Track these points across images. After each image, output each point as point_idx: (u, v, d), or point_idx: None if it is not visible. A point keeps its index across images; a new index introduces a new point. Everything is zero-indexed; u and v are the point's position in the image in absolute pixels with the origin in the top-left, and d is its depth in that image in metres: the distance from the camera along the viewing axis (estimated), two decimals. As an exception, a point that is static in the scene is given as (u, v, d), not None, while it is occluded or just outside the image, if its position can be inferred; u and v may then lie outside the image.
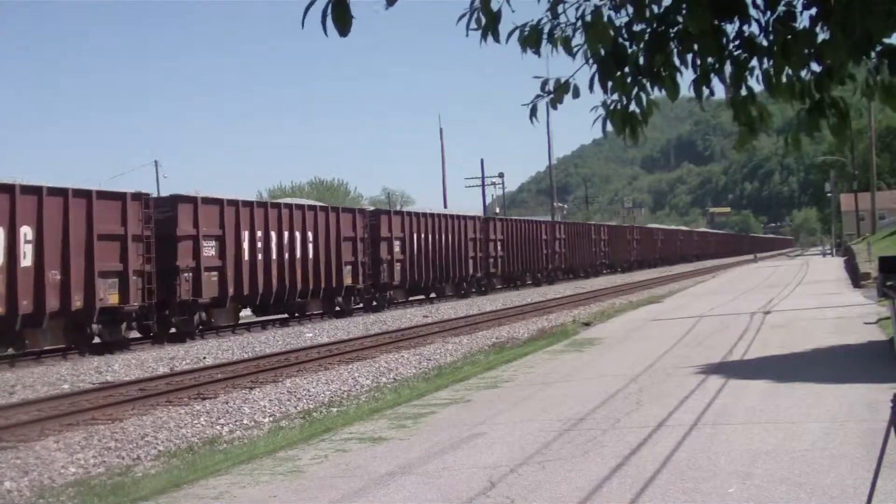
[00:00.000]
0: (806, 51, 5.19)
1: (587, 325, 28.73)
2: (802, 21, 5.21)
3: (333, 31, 4.60)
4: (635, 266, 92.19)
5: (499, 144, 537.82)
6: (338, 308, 41.53)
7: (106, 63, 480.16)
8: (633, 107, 5.38)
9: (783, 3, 5.18)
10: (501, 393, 15.52)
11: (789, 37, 5.13)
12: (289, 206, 38.99)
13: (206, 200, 33.29)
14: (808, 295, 34.89)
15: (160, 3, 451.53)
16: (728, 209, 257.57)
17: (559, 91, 5.41)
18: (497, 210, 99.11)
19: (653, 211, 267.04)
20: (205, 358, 25.45)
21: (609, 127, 5.48)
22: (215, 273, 33.35)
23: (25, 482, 11.79)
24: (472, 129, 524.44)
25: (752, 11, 5.17)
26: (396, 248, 46.23)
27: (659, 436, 10.91)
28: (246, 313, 38.46)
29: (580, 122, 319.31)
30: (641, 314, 31.87)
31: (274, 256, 36.67)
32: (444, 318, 36.04)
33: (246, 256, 34.94)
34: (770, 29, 5.19)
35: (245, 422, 15.70)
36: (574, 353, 20.84)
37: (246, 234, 34.99)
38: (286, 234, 37.52)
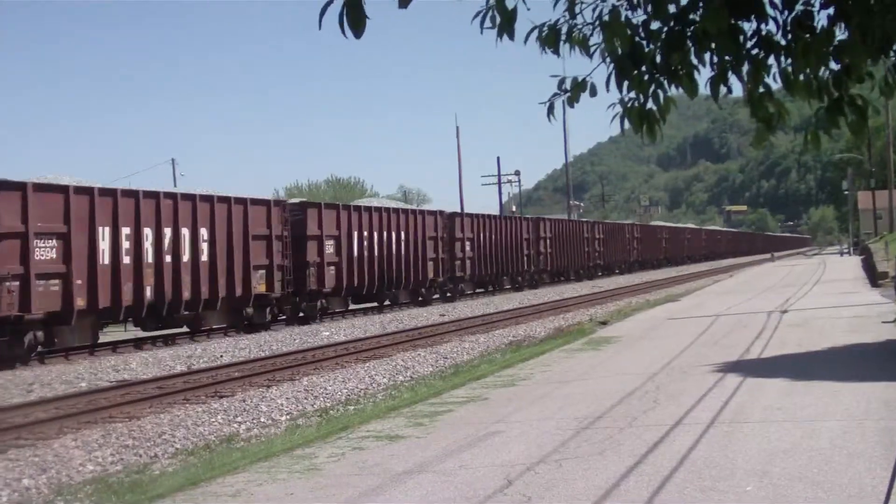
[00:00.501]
0: (824, 50, 5.19)
1: (604, 323, 28.70)
2: (820, 20, 5.21)
3: (349, 30, 4.65)
4: (636, 267, 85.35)
5: (515, 142, 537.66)
6: (247, 322, 34.72)
7: (127, 62, 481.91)
8: (650, 104, 5.38)
9: (801, 2, 5.18)
10: (518, 391, 15.51)
11: (807, 36, 5.13)
12: (172, 196, 31.41)
13: (42, 187, 26.36)
14: (825, 294, 34.78)
15: (181, 3, 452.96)
16: (745, 207, 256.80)
17: (576, 89, 5.42)
18: (514, 208, 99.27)
19: (669, 209, 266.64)
20: (222, 356, 25.52)
21: (627, 124, 5.48)
22: (56, 281, 26.21)
23: (44, 480, 11.85)
24: (488, 128, 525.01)
25: (770, 10, 5.17)
26: (330, 249, 39.08)
27: (676, 434, 10.89)
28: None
29: (596, 120, 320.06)
30: (658, 313, 31.81)
31: (149, 259, 29.66)
32: (460, 317, 36.04)
33: (105, 259, 27.95)
34: (788, 28, 5.19)
35: (262, 420, 15.75)
36: (591, 351, 20.82)
37: (106, 232, 28.04)
38: (167, 231, 30.39)
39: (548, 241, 63.92)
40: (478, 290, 55.47)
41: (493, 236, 55.46)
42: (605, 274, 76.89)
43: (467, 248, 51.80)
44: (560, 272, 67.51)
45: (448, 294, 50.22)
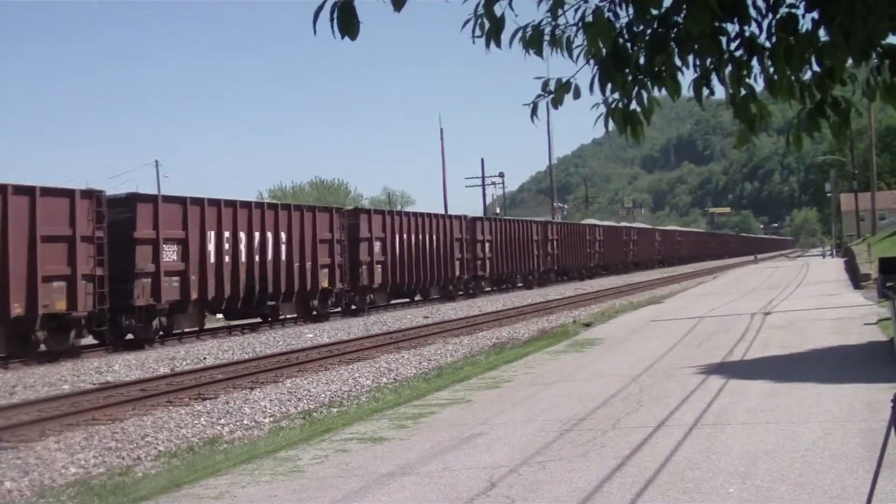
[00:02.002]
0: (806, 52, 5.20)
1: (588, 325, 28.73)
2: (804, 24, 5.22)
3: (341, 33, 4.65)
4: (552, 279, 66.75)
5: (499, 144, 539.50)
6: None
7: (108, 64, 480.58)
8: (634, 105, 5.38)
9: (785, 5, 5.19)
10: (502, 393, 15.51)
11: (790, 39, 5.14)
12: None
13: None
14: (808, 296, 34.88)
15: (165, 5, 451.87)
16: (728, 209, 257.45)
17: (560, 91, 5.41)
18: (497, 209, 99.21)
19: (653, 211, 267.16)
20: (205, 358, 25.44)
21: (611, 125, 5.49)
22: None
23: (26, 482, 11.79)
24: (472, 129, 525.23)
25: (753, 13, 5.18)
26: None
27: (659, 436, 10.91)
28: None
29: (580, 122, 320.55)
30: (642, 315, 31.86)
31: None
32: (445, 319, 36.01)
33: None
34: (771, 31, 5.20)
35: (245, 422, 15.70)
36: (574, 353, 20.83)
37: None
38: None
39: (378, 244, 43.74)
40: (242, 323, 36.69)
41: (257, 235, 35.33)
42: (502, 288, 58.69)
43: (169, 255, 30.88)
44: (413, 289, 48.21)
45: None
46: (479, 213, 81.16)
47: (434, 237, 48.64)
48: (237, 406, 16.96)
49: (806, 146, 5.68)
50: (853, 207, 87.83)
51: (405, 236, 45.74)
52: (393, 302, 46.69)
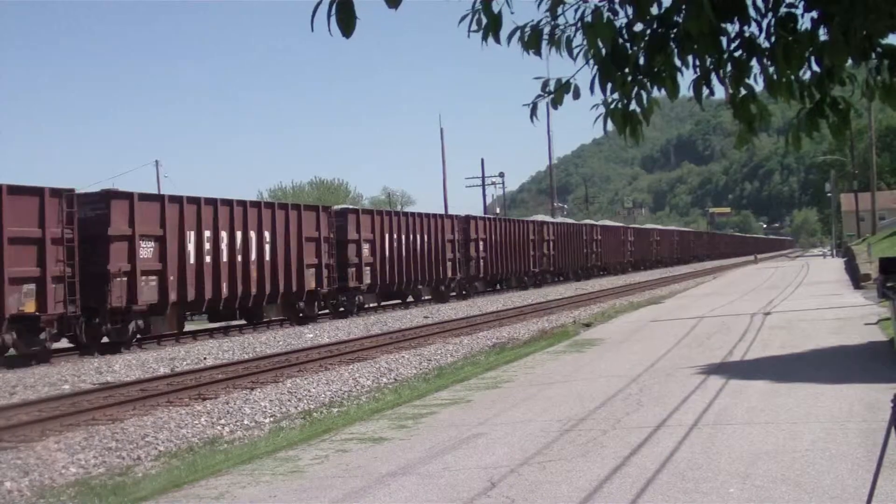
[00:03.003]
0: (807, 52, 5.20)
1: (588, 325, 28.72)
2: (804, 23, 5.22)
3: (338, 30, 4.63)
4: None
5: (499, 144, 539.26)
6: None
7: (111, 63, 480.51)
8: (633, 106, 5.38)
9: (784, 4, 5.18)
10: (502, 393, 15.51)
11: (790, 38, 5.13)
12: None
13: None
14: (808, 296, 34.88)
15: (166, 5, 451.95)
16: (728, 209, 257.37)
17: (559, 91, 5.40)
18: (497, 210, 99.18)
19: (653, 211, 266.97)
20: (205, 358, 25.44)
21: (610, 126, 5.48)
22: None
23: (26, 482, 11.78)
24: (473, 129, 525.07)
25: (752, 12, 5.18)
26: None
27: (659, 436, 10.90)
28: None
29: (580, 122, 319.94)
30: (642, 315, 31.85)
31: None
32: (445, 319, 36.00)
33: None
34: (771, 31, 5.20)
35: (246, 422, 15.70)
36: (575, 353, 20.82)
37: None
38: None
39: (367, 245, 42.00)
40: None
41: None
42: (496, 289, 53.80)
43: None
44: (403, 290, 46.00)
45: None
46: (480, 212, 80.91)
47: (425, 237, 47.33)
48: (237, 406, 16.95)
49: (806, 146, 5.68)
50: (853, 207, 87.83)
51: (395, 236, 44.50)
52: (383, 304, 45.83)
